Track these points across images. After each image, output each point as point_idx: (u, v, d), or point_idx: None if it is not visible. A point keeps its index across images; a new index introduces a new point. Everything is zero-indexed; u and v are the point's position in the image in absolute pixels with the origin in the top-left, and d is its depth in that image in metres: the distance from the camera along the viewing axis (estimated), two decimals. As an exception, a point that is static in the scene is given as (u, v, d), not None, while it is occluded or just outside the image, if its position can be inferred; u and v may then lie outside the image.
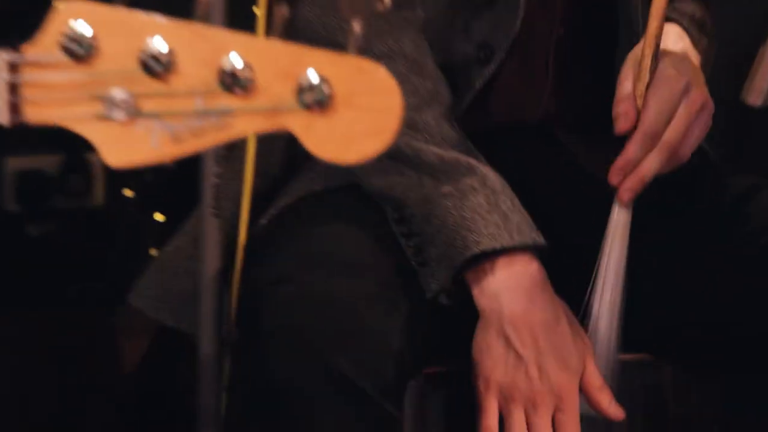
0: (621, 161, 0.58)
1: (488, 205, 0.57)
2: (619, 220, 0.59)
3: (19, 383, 1.16)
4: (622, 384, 0.57)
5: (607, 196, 0.60)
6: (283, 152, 0.63)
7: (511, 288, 0.56)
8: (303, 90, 0.28)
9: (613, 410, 0.56)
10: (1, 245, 1.27)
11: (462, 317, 0.58)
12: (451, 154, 0.58)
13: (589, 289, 0.59)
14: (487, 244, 0.55)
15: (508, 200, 0.58)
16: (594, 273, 0.59)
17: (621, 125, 0.59)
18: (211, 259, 0.57)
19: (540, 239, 0.57)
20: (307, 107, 0.28)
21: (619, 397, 0.56)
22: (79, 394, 1.20)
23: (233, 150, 0.59)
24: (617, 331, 0.59)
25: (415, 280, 0.57)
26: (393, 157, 0.55)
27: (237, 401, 0.56)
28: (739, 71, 0.73)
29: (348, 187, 0.62)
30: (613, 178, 0.58)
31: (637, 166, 0.58)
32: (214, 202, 0.58)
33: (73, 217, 1.31)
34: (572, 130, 0.69)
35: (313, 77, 0.28)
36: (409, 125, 0.55)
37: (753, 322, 0.60)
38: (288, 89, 0.28)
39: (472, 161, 0.58)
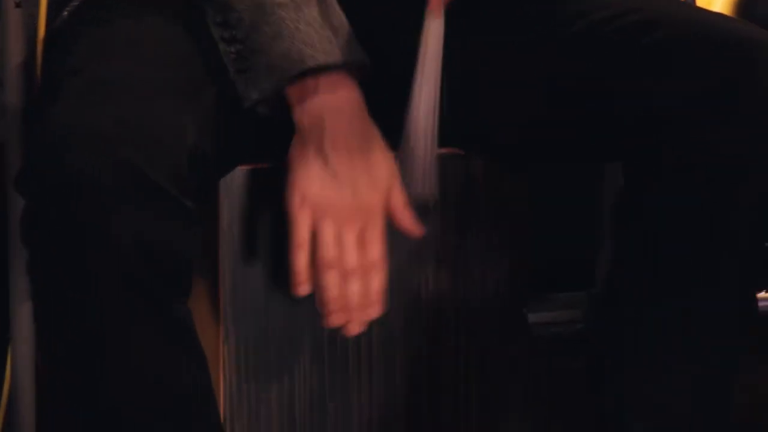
0: None
1: (321, 19, 0.55)
2: (432, 28, 0.57)
3: None
4: (437, 176, 0.61)
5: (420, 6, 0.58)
6: None
7: (334, 108, 0.56)
8: None
9: (415, 228, 0.60)
10: None
11: (277, 125, 0.58)
12: None
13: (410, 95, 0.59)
14: (321, 59, 0.54)
15: (338, 15, 0.56)
16: (414, 74, 0.58)
17: None
18: (14, 56, 0.56)
19: (366, 59, 0.57)
20: None
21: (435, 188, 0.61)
22: None
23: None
24: (433, 130, 0.59)
25: (225, 81, 0.56)
26: None
27: (27, 197, 0.53)
28: None
29: None
30: None
31: None
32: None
33: None
34: None
35: None
36: None
37: (558, 115, 0.64)
38: None
39: None
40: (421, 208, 0.62)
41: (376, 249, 0.58)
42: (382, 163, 0.59)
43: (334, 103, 0.56)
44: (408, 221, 0.60)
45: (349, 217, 0.57)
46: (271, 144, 0.61)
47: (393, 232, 0.60)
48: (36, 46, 0.56)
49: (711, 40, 0.62)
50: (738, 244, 0.62)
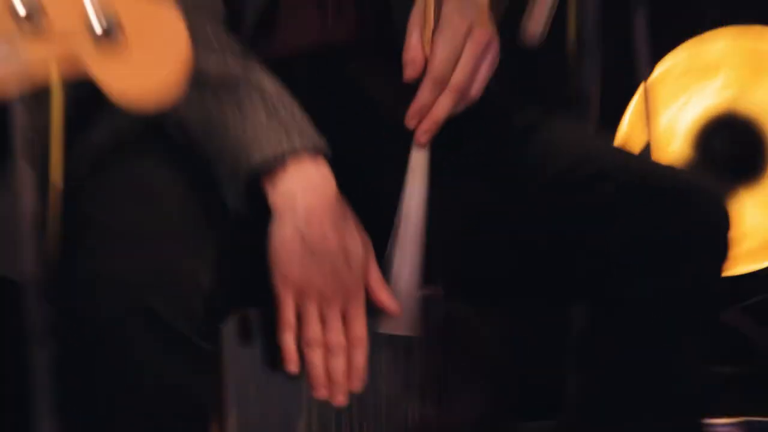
0: (415, 106, 0.64)
1: (267, 119, 0.60)
2: (417, 161, 0.66)
3: None
4: (419, 315, 0.66)
5: (406, 137, 0.66)
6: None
7: (303, 187, 0.60)
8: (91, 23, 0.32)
9: (393, 305, 0.64)
10: None
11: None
12: (230, 63, 0.61)
13: (393, 230, 0.65)
14: (269, 151, 0.59)
15: (287, 107, 0.62)
16: (397, 213, 0.65)
17: (409, 73, 0.64)
18: (28, 204, 0.60)
19: (323, 143, 0.62)
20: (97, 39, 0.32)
21: (417, 326, 0.67)
22: None
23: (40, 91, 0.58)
24: (417, 268, 0.66)
25: (221, 216, 0.61)
26: None
27: (60, 352, 0.57)
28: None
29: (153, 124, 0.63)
30: (410, 122, 0.65)
31: (431, 110, 0.64)
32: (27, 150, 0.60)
33: None
34: (368, 63, 0.74)
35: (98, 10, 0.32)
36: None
37: (530, 258, 0.71)
38: (77, 22, 0.32)
39: (249, 69, 0.62)
40: (404, 345, 0.69)
41: (359, 326, 0.62)
42: (356, 239, 0.62)
43: (304, 183, 0.60)
44: (385, 297, 0.63)
45: (330, 296, 0.61)
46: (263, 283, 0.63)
47: (379, 368, 0.69)
48: (51, 197, 0.61)
49: (664, 192, 0.68)
50: (690, 375, 0.71)
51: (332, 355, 0.61)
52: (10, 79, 0.33)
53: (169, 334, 0.53)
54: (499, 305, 0.81)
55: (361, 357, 0.62)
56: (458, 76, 0.65)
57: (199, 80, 0.54)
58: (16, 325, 0.61)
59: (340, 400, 0.62)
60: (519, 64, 0.98)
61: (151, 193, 0.60)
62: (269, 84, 0.62)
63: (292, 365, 0.61)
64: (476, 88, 0.66)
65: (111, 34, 0.32)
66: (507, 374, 0.86)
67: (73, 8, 0.32)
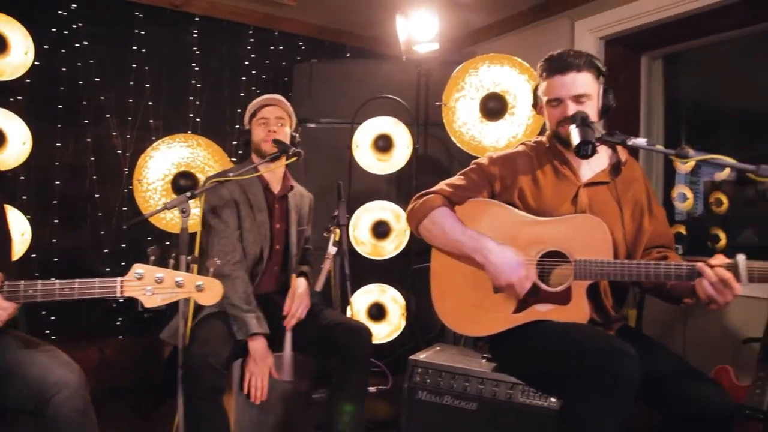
0: (288, 318, 2.51)
1: (257, 321, 2.32)
2: (288, 335, 2.47)
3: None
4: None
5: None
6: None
7: (257, 348, 2.31)
8: (198, 286, 1.78)
9: (282, 376, 2.39)
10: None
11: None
12: (246, 305, 2.34)
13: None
14: (256, 330, 2.30)
15: (261, 317, 2.36)
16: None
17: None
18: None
19: (267, 329, 2.34)
20: (197, 289, 1.78)
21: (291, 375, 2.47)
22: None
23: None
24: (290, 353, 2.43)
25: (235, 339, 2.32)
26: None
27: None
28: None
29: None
30: (286, 323, 2.49)
31: (292, 318, 2.49)
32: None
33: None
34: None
35: (199, 283, 1.79)
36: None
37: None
38: (193, 286, 1.78)
39: (253, 309, 2.35)
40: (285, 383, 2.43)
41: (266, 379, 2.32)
42: (270, 358, 2.33)
43: (258, 346, 2.30)
44: (274, 373, 2.36)
45: (261, 371, 2.30)
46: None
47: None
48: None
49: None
50: None
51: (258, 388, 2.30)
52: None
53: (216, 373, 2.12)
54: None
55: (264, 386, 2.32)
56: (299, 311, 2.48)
57: (233, 312, 2.36)
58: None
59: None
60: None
61: (217, 328, 2.31)
62: (254, 320, 2.32)
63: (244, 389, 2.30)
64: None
65: (200, 286, 1.84)
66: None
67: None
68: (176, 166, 3.22)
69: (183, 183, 3.20)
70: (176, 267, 1.97)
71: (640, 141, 1.69)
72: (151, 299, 1.68)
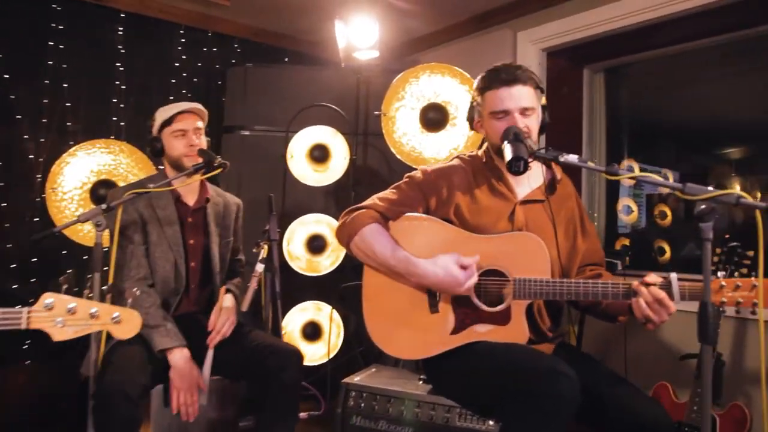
0: (212, 335, 2.35)
1: (169, 335, 2.20)
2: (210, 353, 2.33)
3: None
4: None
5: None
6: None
7: (178, 358, 2.17)
8: (114, 318, 1.59)
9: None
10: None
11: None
12: (152, 321, 2.20)
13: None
14: (168, 345, 2.18)
15: (171, 332, 2.22)
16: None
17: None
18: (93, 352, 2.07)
19: (184, 342, 2.21)
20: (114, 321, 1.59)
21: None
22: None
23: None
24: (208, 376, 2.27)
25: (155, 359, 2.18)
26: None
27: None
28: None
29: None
30: (209, 341, 2.34)
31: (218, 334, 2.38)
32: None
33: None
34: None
35: (116, 315, 1.60)
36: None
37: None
38: (109, 318, 1.59)
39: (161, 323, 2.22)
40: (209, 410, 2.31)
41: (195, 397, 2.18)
42: (196, 375, 2.18)
43: (178, 359, 2.16)
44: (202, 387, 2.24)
45: (189, 389, 2.16)
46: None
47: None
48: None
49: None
50: None
51: (186, 404, 2.15)
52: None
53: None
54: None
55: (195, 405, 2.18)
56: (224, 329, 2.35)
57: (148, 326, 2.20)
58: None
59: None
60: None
61: (130, 352, 2.11)
62: (173, 329, 2.24)
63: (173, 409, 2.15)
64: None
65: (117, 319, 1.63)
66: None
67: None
68: (96, 174, 3.05)
69: (103, 192, 3.02)
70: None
71: (572, 157, 1.68)
72: (62, 332, 1.53)
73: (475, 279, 1.86)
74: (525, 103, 1.93)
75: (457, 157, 2.15)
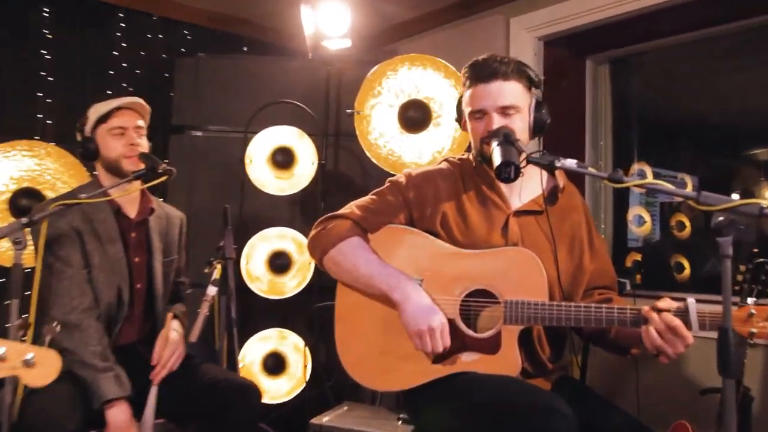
0: (157, 369, 2.35)
1: (116, 383, 2.15)
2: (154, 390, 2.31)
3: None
4: None
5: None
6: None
7: (115, 413, 2.13)
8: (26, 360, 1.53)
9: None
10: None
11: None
12: (101, 362, 2.16)
13: None
14: (113, 395, 2.13)
15: (119, 379, 2.18)
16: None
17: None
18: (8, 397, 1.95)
19: (130, 391, 2.17)
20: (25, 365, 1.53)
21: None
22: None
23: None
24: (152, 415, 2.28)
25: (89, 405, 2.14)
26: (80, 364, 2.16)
27: None
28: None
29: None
30: (153, 377, 2.31)
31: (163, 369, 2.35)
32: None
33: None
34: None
35: (29, 356, 1.54)
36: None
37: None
38: (19, 361, 1.53)
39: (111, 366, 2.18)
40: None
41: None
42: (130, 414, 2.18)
43: (118, 416, 2.12)
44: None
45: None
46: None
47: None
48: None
49: None
50: None
51: None
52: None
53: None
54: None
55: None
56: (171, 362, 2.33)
57: (84, 368, 2.17)
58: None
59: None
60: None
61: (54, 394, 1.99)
62: (122, 373, 2.20)
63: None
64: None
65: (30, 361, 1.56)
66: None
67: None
68: (16, 182, 3.01)
69: (25, 203, 2.97)
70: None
71: (570, 162, 1.67)
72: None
73: (441, 341, 1.84)
74: (504, 101, 1.94)
75: (446, 160, 2.16)
